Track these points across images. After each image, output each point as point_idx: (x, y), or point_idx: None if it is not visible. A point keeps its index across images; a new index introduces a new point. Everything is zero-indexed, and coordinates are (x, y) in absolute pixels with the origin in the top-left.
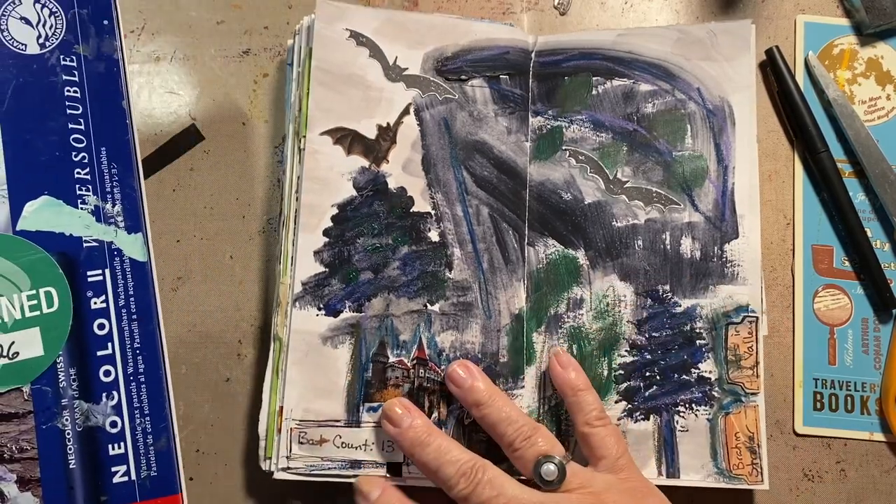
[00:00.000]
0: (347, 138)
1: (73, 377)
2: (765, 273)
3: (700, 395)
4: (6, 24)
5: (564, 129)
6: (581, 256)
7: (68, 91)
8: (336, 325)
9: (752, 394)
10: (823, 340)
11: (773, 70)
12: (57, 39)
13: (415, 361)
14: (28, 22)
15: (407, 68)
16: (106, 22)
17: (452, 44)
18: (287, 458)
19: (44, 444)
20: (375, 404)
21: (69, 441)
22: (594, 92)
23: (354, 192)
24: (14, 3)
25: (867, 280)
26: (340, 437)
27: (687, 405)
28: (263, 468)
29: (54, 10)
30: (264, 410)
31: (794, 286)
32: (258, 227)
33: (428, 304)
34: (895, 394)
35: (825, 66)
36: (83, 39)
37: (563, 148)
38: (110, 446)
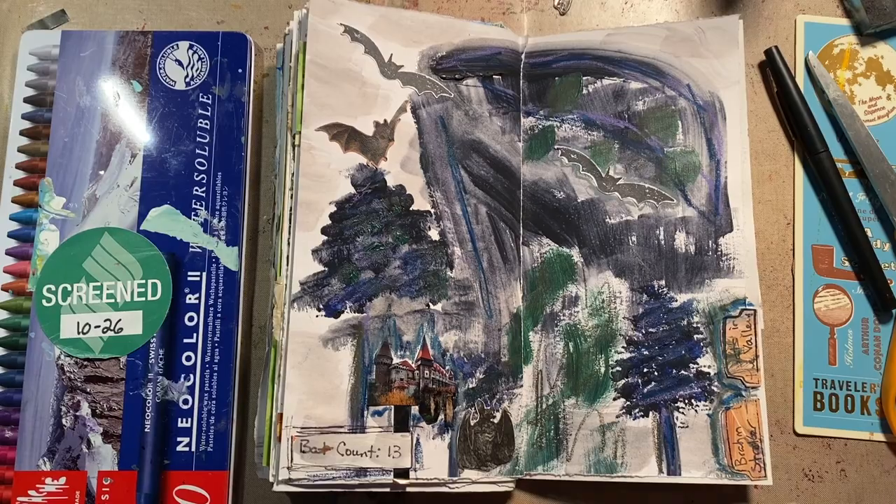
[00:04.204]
0: (344, 135)
1: (160, 357)
2: (765, 273)
3: (699, 390)
4: (164, 64)
5: (556, 129)
6: (575, 254)
7: (201, 123)
8: (337, 327)
9: (753, 388)
10: (823, 340)
11: (772, 70)
12: (200, 80)
13: (419, 362)
14: (180, 63)
15: (402, 66)
16: (240, 70)
17: (447, 43)
18: (288, 468)
19: (128, 408)
20: (380, 408)
21: (148, 409)
22: (585, 91)
23: (353, 190)
24: (173, 48)
25: (867, 280)
26: (345, 444)
27: (686, 401)
28: (259, 476)
29: (202, 56)
30: (259, 416)
31: (794, 286)
32: (258, 227)
33: (430, 304)
34: (895, 394)
35: (825, 66)
36: (220, 83)
37: (556, 147)
38: (180, 419)
